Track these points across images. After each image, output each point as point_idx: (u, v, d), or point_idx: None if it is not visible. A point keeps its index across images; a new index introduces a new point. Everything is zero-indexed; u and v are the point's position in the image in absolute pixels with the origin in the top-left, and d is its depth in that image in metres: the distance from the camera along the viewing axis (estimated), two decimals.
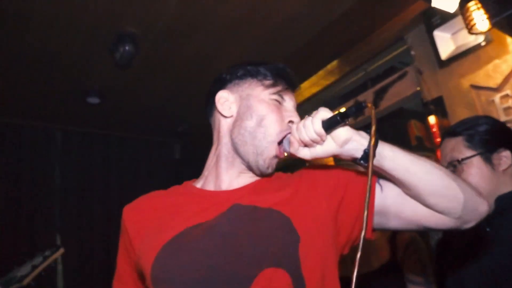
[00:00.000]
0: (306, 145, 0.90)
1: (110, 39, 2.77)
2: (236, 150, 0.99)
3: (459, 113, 2.56)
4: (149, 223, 0.96)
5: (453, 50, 2.63)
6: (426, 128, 3.45)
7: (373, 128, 0.82)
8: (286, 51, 3.31)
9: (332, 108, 0.89)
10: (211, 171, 1.04)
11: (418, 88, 2.99)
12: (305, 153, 0.92)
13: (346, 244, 0.95)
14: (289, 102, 1.04)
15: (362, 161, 0.86)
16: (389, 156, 0.86)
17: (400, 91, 3.22)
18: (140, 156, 4.68)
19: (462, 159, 1.29)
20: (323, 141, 0.88)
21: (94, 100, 3.51)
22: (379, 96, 3.41)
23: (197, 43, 3.02)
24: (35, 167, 3.93)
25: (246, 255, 0.84)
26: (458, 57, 2.60)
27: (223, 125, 1.03)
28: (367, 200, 0.79)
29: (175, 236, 0.89)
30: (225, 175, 1.00)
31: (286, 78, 1.03)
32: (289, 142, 0.94)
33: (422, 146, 3.59)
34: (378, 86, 3.43)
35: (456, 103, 2.61)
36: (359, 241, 0.89)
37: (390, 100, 3.31)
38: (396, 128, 3.73)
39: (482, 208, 0.88)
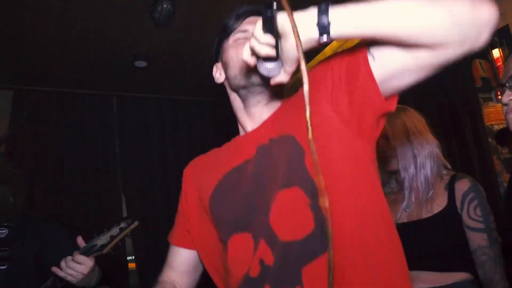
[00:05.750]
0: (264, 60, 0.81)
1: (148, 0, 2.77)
2: (240, 96, 1.11)
3: None
4: (203, 171, 1.20)
5: None
6: (493, 68, 3.12)
7: None
8: None
9: None
10: (239, 121, 1.18)
11: None
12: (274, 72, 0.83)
13: (379, 117, 0.90)
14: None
15: (322, 36, 0.74)
16: (349, 21, 0.74)
17: None
18: (193, 117, 4.73)
19: None
20: (271, 44, 0.76)
21: (141, 63, 3.58)
22: None
23: None
24: (97, 132, 4.17)
25: (264, 187, 0.96)
26: None
27: (226, 87, 1.18)
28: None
29: (220, 180, 1.10)
30: (247, 121, 1.13)
31: (247, 11, 1.12)
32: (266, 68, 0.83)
33: (489, 87, 3.27)
34: None
35: None
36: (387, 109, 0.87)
37: None
38: (457, 71, 3.41)
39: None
